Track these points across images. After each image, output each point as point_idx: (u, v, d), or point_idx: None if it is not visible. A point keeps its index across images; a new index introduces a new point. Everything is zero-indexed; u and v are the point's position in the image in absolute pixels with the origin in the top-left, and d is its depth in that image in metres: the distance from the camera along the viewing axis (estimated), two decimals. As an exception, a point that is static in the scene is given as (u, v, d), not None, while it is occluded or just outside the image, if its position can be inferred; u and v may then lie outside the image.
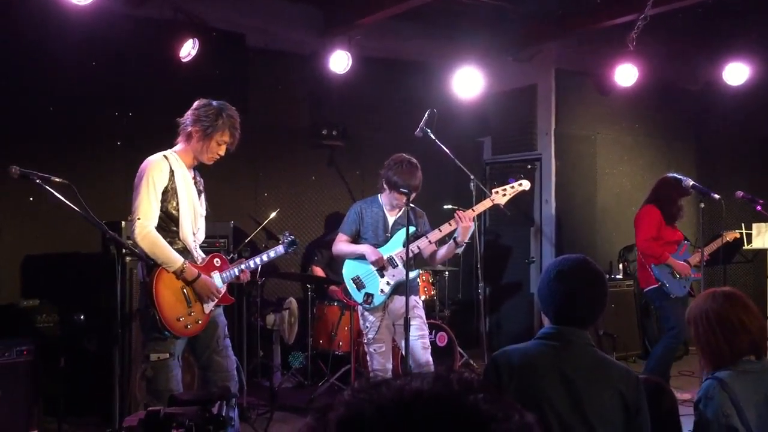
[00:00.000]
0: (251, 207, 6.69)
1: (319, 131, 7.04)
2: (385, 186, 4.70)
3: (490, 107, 7.99)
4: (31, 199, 5.43)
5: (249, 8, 6.54)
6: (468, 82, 6.99)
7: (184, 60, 5.80)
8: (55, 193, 3.16)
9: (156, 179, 3.62)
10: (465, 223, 4.51)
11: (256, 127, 6.78)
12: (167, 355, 3.65)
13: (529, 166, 7.74)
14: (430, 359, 4.67)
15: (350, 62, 6.58)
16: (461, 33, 7.34)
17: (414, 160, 4.66)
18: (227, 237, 5.76)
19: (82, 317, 5.20)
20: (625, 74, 6.64)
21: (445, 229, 4.58)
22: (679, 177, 5.65)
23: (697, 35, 7.30)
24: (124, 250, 4.31)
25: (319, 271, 6.46)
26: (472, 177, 4.92)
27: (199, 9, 5.96)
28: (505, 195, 4.73)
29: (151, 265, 3.60)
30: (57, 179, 3.19)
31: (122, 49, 5.74)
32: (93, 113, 5.82)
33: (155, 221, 3.60)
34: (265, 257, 4.06)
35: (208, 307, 3.79)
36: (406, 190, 4.44)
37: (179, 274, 3.63)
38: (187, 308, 3.68)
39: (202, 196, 3.94)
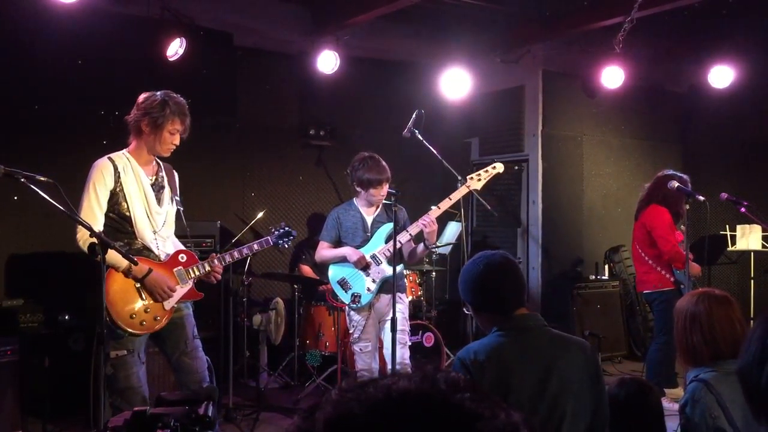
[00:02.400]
0: (238, 207, 6.66)
1: (307, 131, 7.04)
2: (357, 188, 4.71)
3: (478, 108, 8.00)
4: (15, 198, 5.39)
5: (237, 7, 6.52)
6: (456, 83, 6.99)
7: (171, 59, 5.77)
8: (40, 192, 3.12)
9: (98, 183, 3.60)
10: (428, 228, 4.53)
11: (243, 127, 6.78)
12: (125, 351, 3.60)
13: (516, 167, 7.77)
14: (407, 356, 4.65)
15: (338, 62, 6.57)
16: (449, 34, 7.35)
17: (375, 155, 4.68)
18: (214, 237, 5.75)
19: (67, 317, 5.18)
20: (612, 76, 6.67)
21: (421, 224, 4.59)
22: (678, 175, 5.53)
23: (683, 38, 7.36)
24: (109, 250, 4.29)
25: (307, 270, 6.45)
26: (459, 177, 4.93)
27: (186, 8, 5.92)
28: (480, 180, 4.73)
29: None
30: (42, 178, 3.15)
31: (109, 47, 5.70)
32: (79, 112, 5.78)
33: (99, 225, 3.55)
34: (248, 250, 3.98)
35: (169, 303, 3.72)
36: (395, 191, 4.46)
37: (127, 273, 3.61)
38: (143, 305, 3.64)
39: (165, 190, 3.84)
